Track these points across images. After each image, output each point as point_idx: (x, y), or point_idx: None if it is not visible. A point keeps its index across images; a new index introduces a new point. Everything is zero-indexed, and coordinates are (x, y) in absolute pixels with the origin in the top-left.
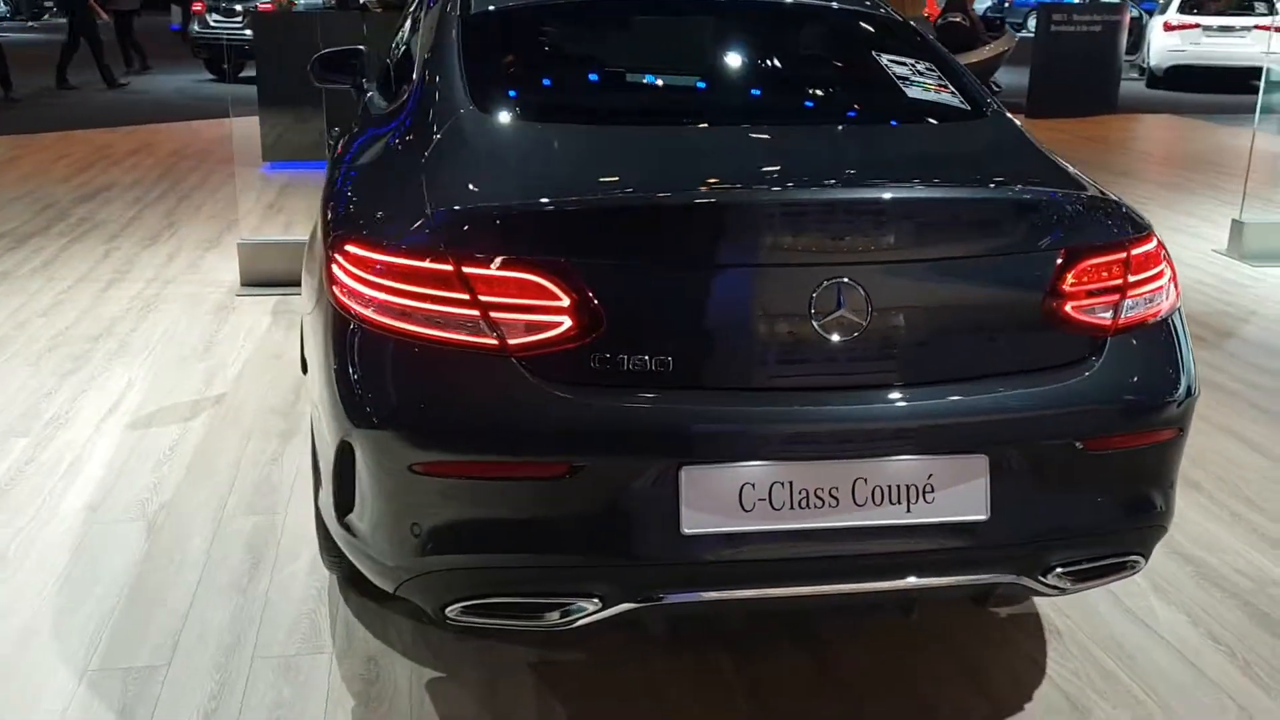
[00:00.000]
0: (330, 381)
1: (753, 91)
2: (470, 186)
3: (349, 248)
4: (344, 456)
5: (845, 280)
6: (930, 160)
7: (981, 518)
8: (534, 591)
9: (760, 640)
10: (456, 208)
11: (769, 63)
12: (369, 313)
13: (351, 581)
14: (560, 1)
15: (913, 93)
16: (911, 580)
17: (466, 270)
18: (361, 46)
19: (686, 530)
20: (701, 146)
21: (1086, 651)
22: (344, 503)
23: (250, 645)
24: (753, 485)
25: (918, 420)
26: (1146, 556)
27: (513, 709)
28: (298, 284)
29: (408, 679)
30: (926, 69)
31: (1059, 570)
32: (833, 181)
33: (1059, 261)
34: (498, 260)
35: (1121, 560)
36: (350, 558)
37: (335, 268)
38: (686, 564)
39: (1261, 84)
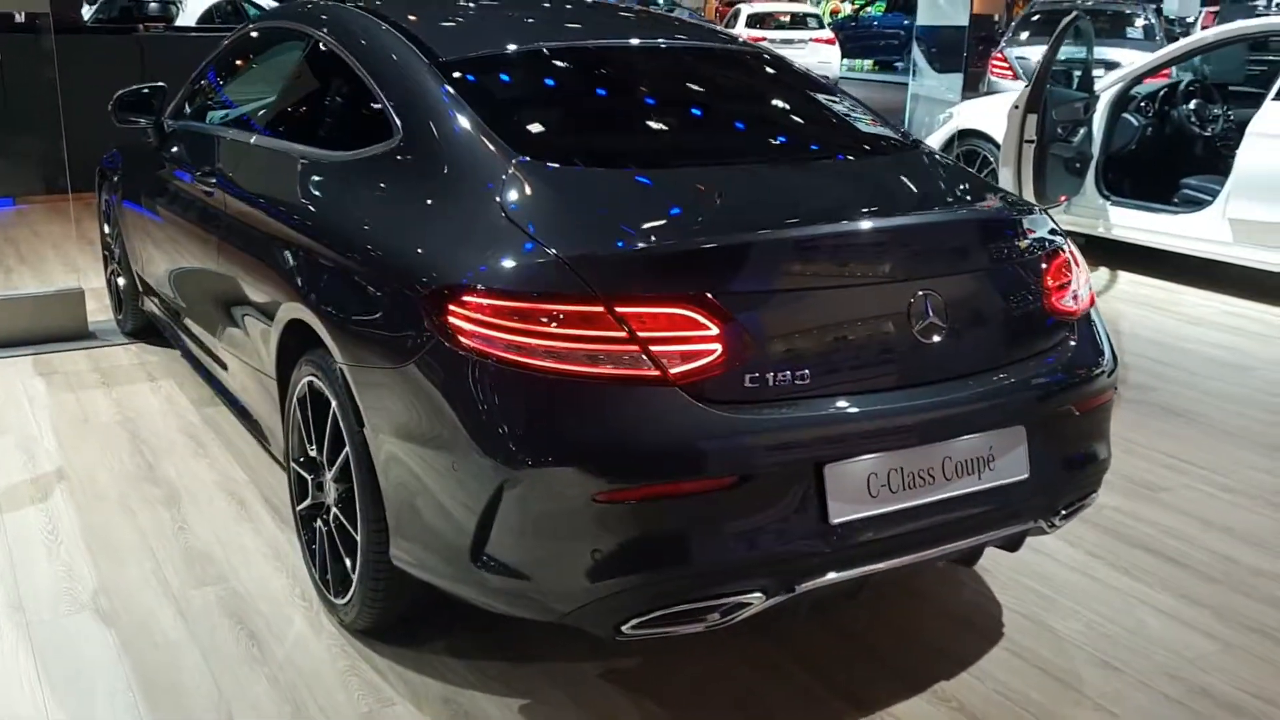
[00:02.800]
0: (477, 429)
1: (755, 130)
2: (592, 230)
3: (470, 298)
4: (497, 500)
5: (929, 291)
6: (932, 187)
7: (1025, 477)
8: (705, 596)
9: (785, 623)
10: (596, 251)
11: (746, 103)
12: (516, 357)
13: (373, 632)
14: (529, 50)
15: (864, 128)
16: (983, 536)
17: (620, 309)
18: (163, 84)
19: (834, 520)
20: (759, 184)
21: (1017, 582)
22: (496, 547)
23: (318, 710)
24: (875, 474)
25: (982, 402)
26: (1098, 491)
27: (611, 713)
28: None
29: (498, 711)
30: (851, 105)
31: (1063, 512)
32: (899, 209)
33: (1044, 264)
34: (649, 297)
35: (1090, 496)
36: (484, 600)
37: (453, 319)
38: (835, 549)
39: None
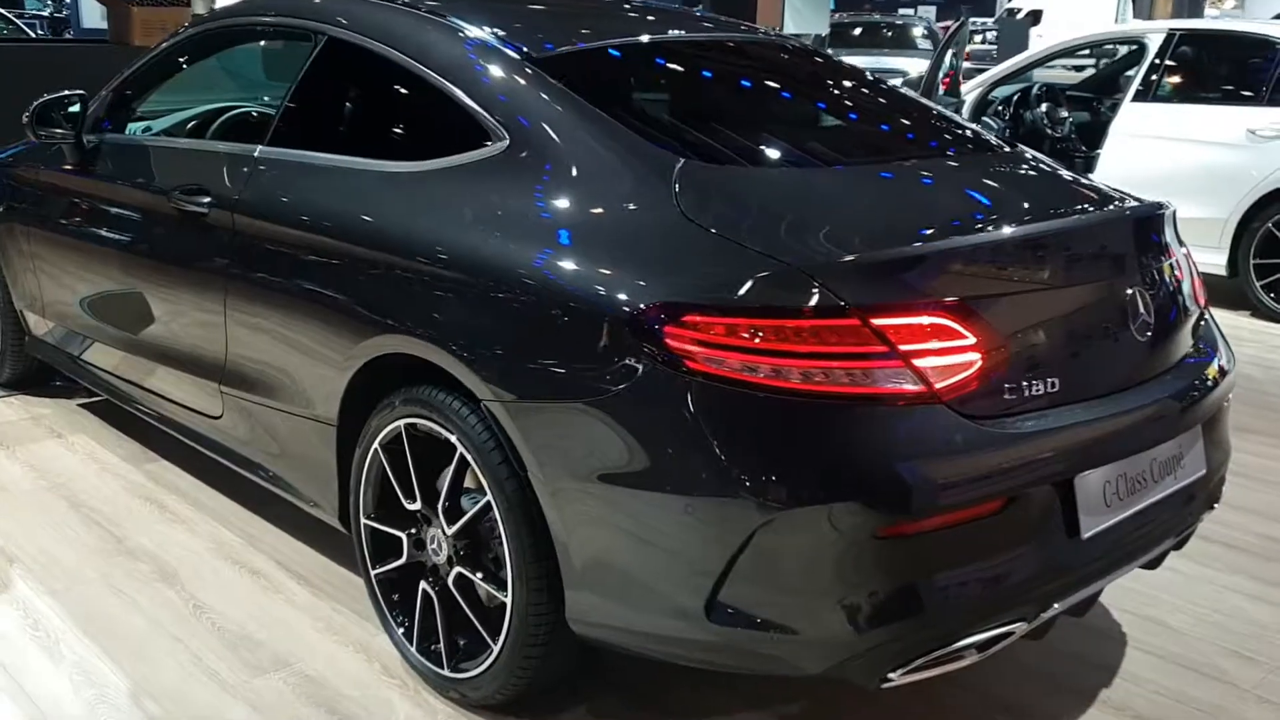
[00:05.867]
0: (726, 466)
1: (884, 128)
2: (816, 236)
3: (697, 317)
4: (747, 544)
5: (1138, 288)
6: (1081, 184)
7: (1204, 473)
8: (977, 631)
9: None
10: (835, 259)
11: (852, 100)
12: (762, 381)
13: (508, 707)
14: (627, 44)
15: (959, 128)
16: (1176, 537)
17: (876, 321)
18: (83, 91)
19: (1085, 534)
20: (938, 181)
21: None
22: (740, 598)
23: None
24: (1110, 481)
25: (1186, 400)
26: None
27: None
28: None
29: None
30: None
31: (1214, 504)
32: (1080, 207)
33: (1180, 258)
34: (904, 306)
35: (1222, 485)
36: (708, 659)
37: (674, 341)
38: (1085, 565)
39: None
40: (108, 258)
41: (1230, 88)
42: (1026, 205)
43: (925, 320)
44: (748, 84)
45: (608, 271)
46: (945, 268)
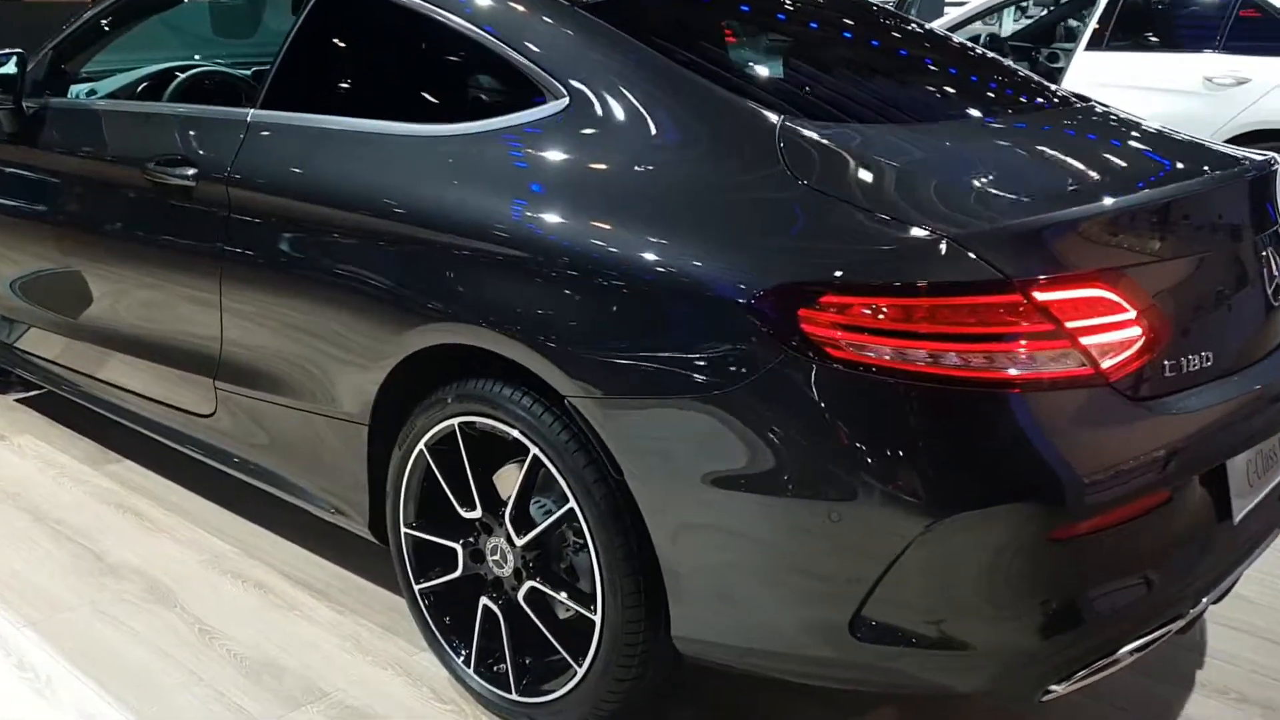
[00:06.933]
0: (881, 466)
1: (969, 83)
2: (957, 201)
3: (836, 298)
4: (903, 553)
5: (1269, 251)
6: (1186, 141)
7: None
8: (1139, 634)
9: None
10: (987, 227)
11: (925, 54)
12: (917, 368)
13: None
14: None
15: (1034, 82)
16: None
17: (1039, 296)
18: (20, 50)
19: (1236, 518)
20: (1050, 140)
21: None
22: (889, 612)
23: None
24: (1251, 461)
25: None
26: None
27: None
28: None
29: None
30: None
31: None
32: (1213, 167)
33: None
34: (1066, 279)
35: None
36: (843, 678)
37: (809, 326)
38: (1235, 551)
39: None
40: (61, 239)
41: (1186, 34)
42: (1152, 166)
43: (1088, 293)
44: (830, 32)
45: (717, 248)
46: (1100, 234)
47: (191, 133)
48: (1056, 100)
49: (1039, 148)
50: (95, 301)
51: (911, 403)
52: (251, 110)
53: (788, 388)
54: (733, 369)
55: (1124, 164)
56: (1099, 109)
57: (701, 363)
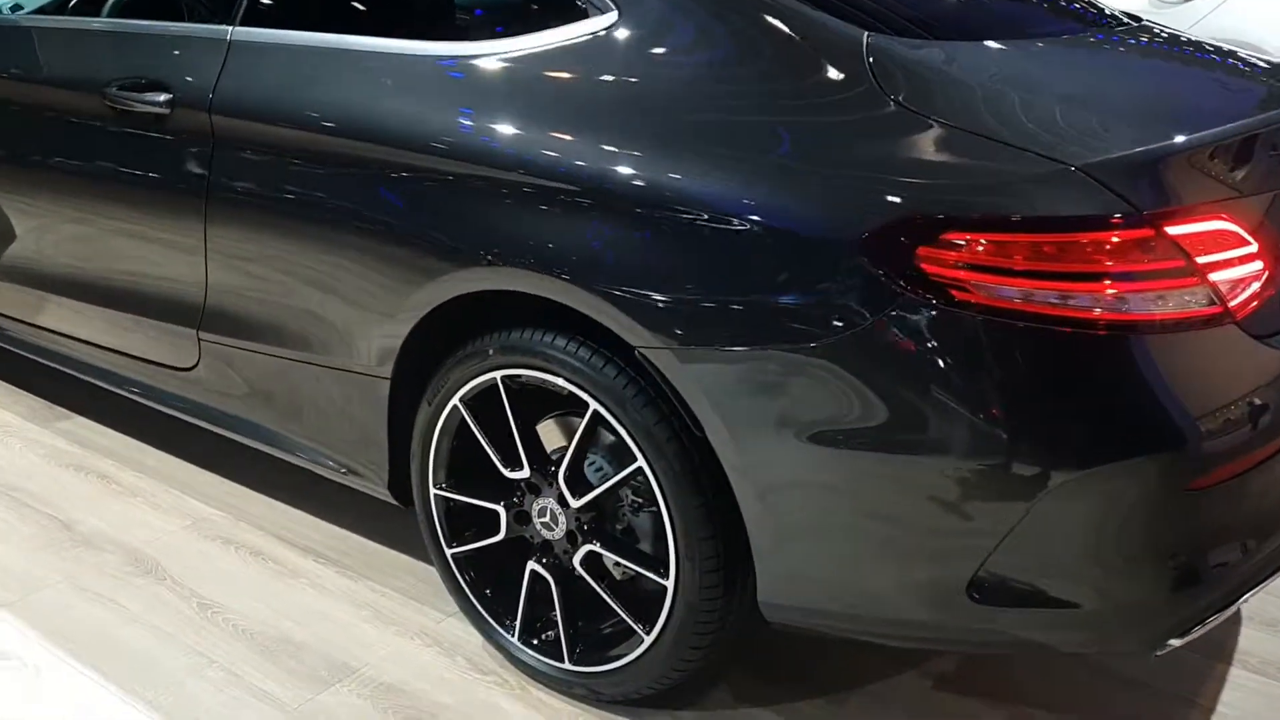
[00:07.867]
0: (1006, 419)
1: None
2: (1079, 129)
3: (959, 236)
4: (1029, 510)
5: None
6: (1249, 59)
7: None
8: (1255, 585)
9: None
10: (1115, 156)
11: None
12: (1050, 311)
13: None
14: None
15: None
16: None
17: (1170, 231)
18: None
19: None
20: (1148, 65)
21: None
22: (1012, 571)
23: None
24: None
25: None
26: None
27: None
28: None
29: None
30: None
31: None
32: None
33: None
34: (1194, 211)
35: None
36: (948, 640)
37: (930, 266)
38: None
39: None
40: (14, 177)
41: None
42: (1250, 90)
43: (1215, 225)
44: None
45: (814, 180)
46: (1219, 164)
47: (158, 54)
48: (1127, 19)
49: (1135, 69)
50: (45, 243)
51: (1043, 349)
52: (231, 27)
53: (904, 335)
54: (838, 316)
55: (1225, 89)
56: (1162, 31)
57: (800, 310)
